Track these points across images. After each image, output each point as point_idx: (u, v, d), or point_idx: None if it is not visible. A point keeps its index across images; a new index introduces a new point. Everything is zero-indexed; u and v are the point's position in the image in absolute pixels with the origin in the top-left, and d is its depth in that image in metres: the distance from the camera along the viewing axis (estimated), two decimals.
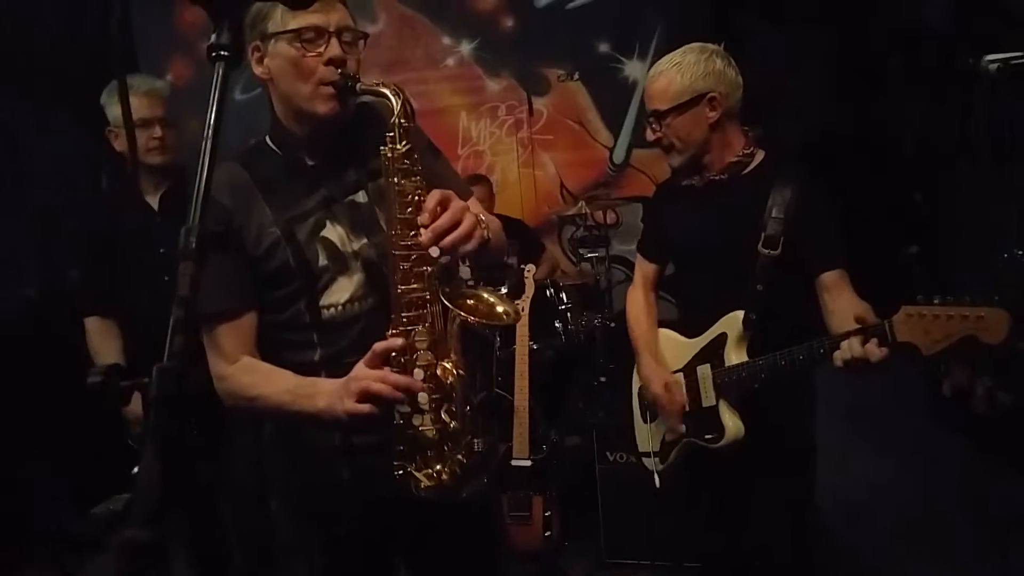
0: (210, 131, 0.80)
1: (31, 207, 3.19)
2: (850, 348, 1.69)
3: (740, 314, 1.99)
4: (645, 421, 2.32)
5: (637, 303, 2.35)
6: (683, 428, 2.14)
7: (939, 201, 4.32)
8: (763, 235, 1.95)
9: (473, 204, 1.60)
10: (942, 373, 3.64)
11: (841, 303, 1.91)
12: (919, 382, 3.89)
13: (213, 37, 0.84)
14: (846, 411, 3.15)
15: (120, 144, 2.53)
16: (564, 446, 3.61)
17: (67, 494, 3.43)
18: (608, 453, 3.18)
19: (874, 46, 4.67)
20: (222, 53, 0.83)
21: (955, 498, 3.17)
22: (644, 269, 2.37)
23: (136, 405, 2.39)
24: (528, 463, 3.12)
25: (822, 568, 2.50)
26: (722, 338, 2.04)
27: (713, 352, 2.07)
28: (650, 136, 2.08)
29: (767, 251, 1.94)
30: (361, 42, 1.56)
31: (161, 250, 2.35)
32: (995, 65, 1.52)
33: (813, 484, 2.14)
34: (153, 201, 2.54)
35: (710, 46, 2.02)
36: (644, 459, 2.32)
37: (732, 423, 2.01)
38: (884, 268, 2.35)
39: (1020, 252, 2.73)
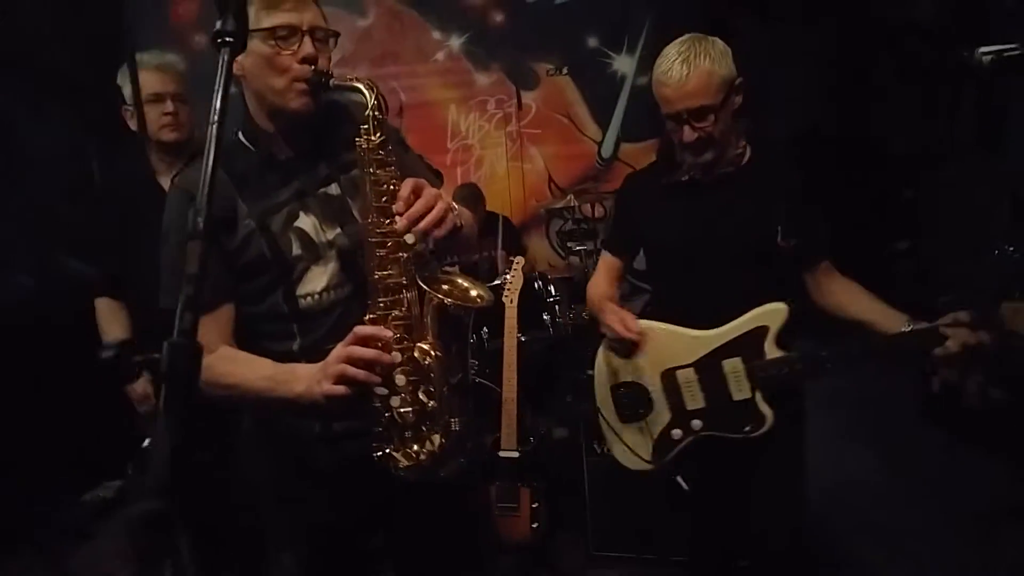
0: (216, 115, 0.82)
1: (26, 196, 3.18)
2: (963, 336, 1.76)
3: (782, 307, 1.98)
4: (626, 421, 2.22)
5: (594, 283, 2.33)
6: (697, 424, 2.09)
7: (928, 196, 4.37)
8: (780, 229, 1.95)
9: (444, 194, 1.64)
10: (930, 370, 3.68)
11: (837, 284, 2.04)
12: (907, 377, 3.93)
13: (218, 24, 0.86)
14: (835, 405, 3.18)
15: (134, 124, 2.44)
16: (552, 438, 3.63)
17: (58, 481, 3.42)
18: (596, 445, 3.20)
19: (862, 40, 4.71)
20: (227, 39, 0.85)
21: (944, 493, 3.21)
22: (608, 263, 2.33)
23: (143, 386, 2.43)
24: (516, 455, 3.13)
25: (813, 561, 2.52)
26: (762, 331, 2.00)
27: (747, 346, 2.01)
28: (690, 136, 1.92)
29: (786, 243, 1.96)
30: (332, 40, 1.60)
31: None
32: (988, 57, 1.54)
33: (804, 474, 2.15)
34: (165, 183, 2.48)
35: (702, 35, 1.97)
36: (633, 457, 2.21)
37: (769, 412, 2.00)
38: (868, 262, 2.39)
39: (1011, 248, 2.75)
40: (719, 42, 1.95)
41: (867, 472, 3.44)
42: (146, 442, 2.26)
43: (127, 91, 2.43)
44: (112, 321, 2.54)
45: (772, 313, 1.99)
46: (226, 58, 0.84)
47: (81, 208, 2.72)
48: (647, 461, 2.19)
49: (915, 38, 4.32)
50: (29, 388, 3.39)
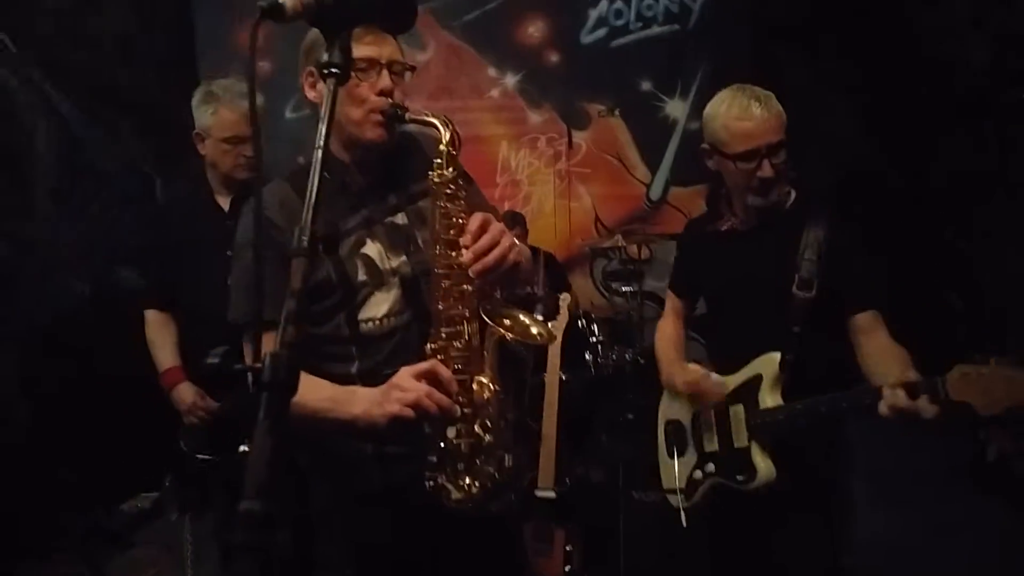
0: (321, 140, 0.86)
1: (93, 208, 3.30)
2: (897, 399, 1.67)
3: (776, 356, 1.97)
4: (671, 456, 2.27)
5: (667, 328, 2.35)
6: (711, 467, 2.10)
7: (980, 244, 4.27)
8: (797, 277, 1.94)
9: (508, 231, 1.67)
10: (984, 438, 3.56)
11: (876, 346, 1.90)
12: (963, 444, 3.81)
13: (325, 56, 0.90)
14: (887, 472, 3.09)
15: (204, 149, 2.48)
16: (589, 480, 3.60)
17: (97, 489, 3.48)
18: (634, 491, 3.17)
19: (910, 86, 4.67)
20: (334, 71, 0.88)
21: (998, 566, 3.10)
22: (674, 303, 2.37)
23: (186, 394, 2.46)
24: (553, 494, 3.10)
25: None
26: (757, 380, 2.01)
27: (747, 393, 2.03)
28: (769, 172, 1.93)
29: (802, 293, 1.94)
30: (408, 73, 1.64)
31: (228, 252, 2.31)
32: None
33: (851, 542, 2.11)
34: (224, 203, 2.53)
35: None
36: (669, 495, 2.26)
37: (764, 465, 1.97)
38: (923, 315, 2.34)
39: None
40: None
41: (917, 541, 3.33)
42: (242, 447, 2.27)
43: (199, 118, 2.47)
44: (162, 332, 2.58)
45: (765, 362, 1.99)
46: (332, 88, 0.88)
47: (141, 222, 2.79)
48: (683, 500, 2.20)
49: (965, 77, 4.27)
50: (74, 395, 3.47)
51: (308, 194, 0.85)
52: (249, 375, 0.77)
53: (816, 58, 4.72)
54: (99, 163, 3.51)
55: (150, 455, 2.90)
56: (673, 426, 2.28)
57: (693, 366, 2.17)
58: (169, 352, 2.55)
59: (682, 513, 2.19)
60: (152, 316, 2.60)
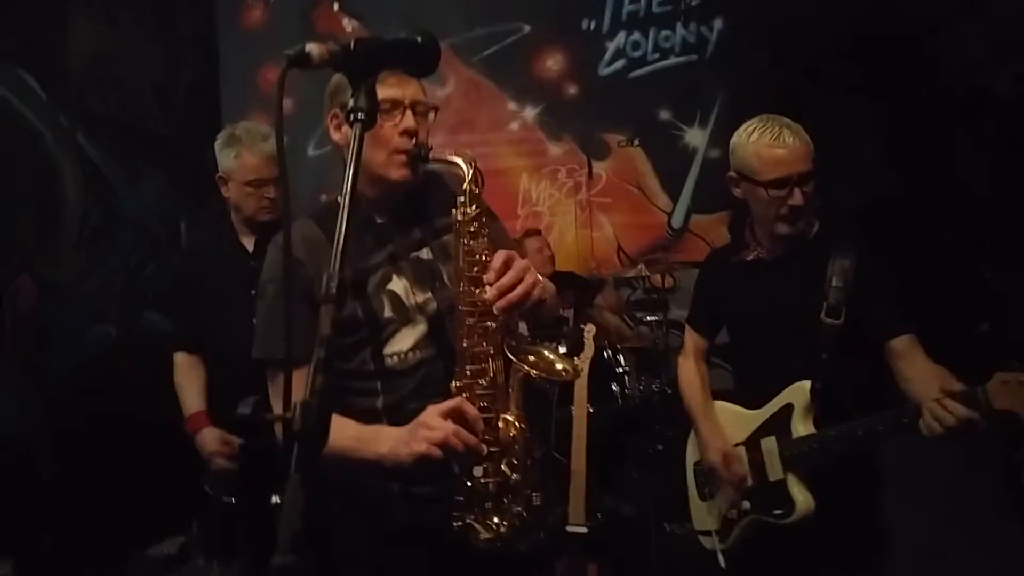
0: (348, 184, 0.86)
1: (120, 250, 3.35)
2: (940, 415, 1.66)
3: (807, 384, 1.96)
4: (703, 499, 2.26)
5: (689, 372, 2.33)
6: (746, 504, 2.08)
7: (1008, 274, 4.22)
8: (825, 305, 1.94)
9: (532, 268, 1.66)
10: (1020, 460, 3.49)
11: (918, 369, 1.88)
12: (998, 469, 3.73)
13: (351, 101, 0.90)
14: (921, 498, 3.03)
15: (227, 191, 2.51)
16: (620, 514, 3.55)
17: (125, 534, 3.47)
18: (665, 524, 3.12)
19: (935, 116, 4.65)
20: (360, 115, 0.89)
21: None
22: (695, 340, 2.35)
23: (209, 439, 2.43)
24: (584, 530, 3.06)
25: None
26: (788, 409, 2.00)
27: (779, 424, 2.02)
28: (799, 200, 1.95)
29: (830, 320, 1.94)
30: (431, 113, 1.66)
31: (252, 291, 2.31)
32: None
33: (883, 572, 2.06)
34: (248, 243, 2.54)
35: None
36: (702, 537, 2.25)
37: (802, 497, 1.95)
38: (953, 345, 2.30)
39: None
40: None
41: (951, 568, 3.24)
42: (274, 499, 2.25)
43: (223, 161, 2.49)
44: (190, 375, 2.58)
45: (796, 391, 1.98)
46: (358, 133, 0.88)
47: (167, 266, 2.82)
48: (718, 541, 2.17)
49: (988, 114, 4.25)
50: (101, 439, 3.48)
51: (336, 240, 0.85)
52: (278, 423, 0.77)
53: (834, 85, 4.71)
54: (126, 207, 3.57)
55: (177, 499, 2.89)
56: (701, 466, 2.25)
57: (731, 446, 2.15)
58: (196, 396, 2.54)
59: (720, 555, 2.16)
60: (180, 359, 2.60)
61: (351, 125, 0.89)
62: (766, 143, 1.96)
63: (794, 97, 4.44)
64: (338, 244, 0.84)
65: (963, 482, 3.43)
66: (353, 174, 0.87)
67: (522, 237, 4.56)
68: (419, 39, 1.03)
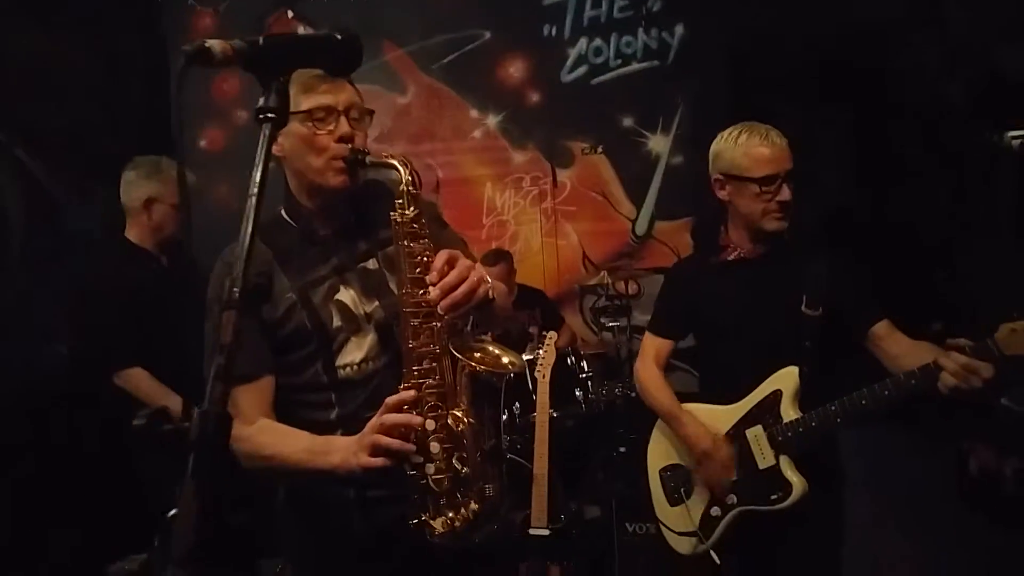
0: (255, 187, 0.85)
1: (66, 269, 3.33)
2: (957, 360, 1.73)
3: (794, 370, 2.05)
4: (673, 503, 2.28)
5: (654, 375, 2.35)
6: (732, 498, 2.12)
7: (961, 278, 4.30)
8: (805, 297, 2.05)
9: (477, 267, 1.66)
10: (966, 451, 3.58)
11: (905, 344, 2.02)
12: (947, 460, 3.80)
13: (261, 100, 0.90)
14: (874, 490, 3.08)
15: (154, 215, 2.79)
16: (583, 517, 3.55)
17: (84, 552, 3.41)
18: (628, 524, 3.13)
19: (891, 124, 4.72)
20: (269, 115, 0.88)
21: None
22: (657, 345, 2.38)
23: None
24: (547, 532, 3.06)
25: None
26: (776, 395, 2.07)
27: (765, 411, 2.09)
28: (787, 196, 2.07)
29: (810, 311, 2.04)
30: (368, 118, 1.66)
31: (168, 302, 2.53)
32: (1018, 141, 1.58)
33: (839, 562, 2.10)
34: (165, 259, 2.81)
35: None
36: (679, 539, 2.26)
37: (796, 479, 2.02)
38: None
39: None
40: None
41: (902, 557, 3.30)
42: (171, 512, 2.26)
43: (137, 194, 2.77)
44: (152, 386, 2.65)
45: (784, 377, 2.07)
46: (267, 132, 0.87)
47: (115, 282, 2.82)
48: (697, 542, 2.20)
49: (943, 121, 4.33)
50: (57, 458, 3.42)
51: (240, 244, 0.83)
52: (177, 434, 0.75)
53: (795, 91, 4.76)
54: (71, 224, 3.54)
55: (139, 516, 2.86)
56: (670, 471, 2.28)
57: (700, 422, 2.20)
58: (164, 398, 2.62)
59: (713, 554, 2.18)
60: (138, 373, 2.65)
61: (260, 124, 0.88)
62: (756, 143, 2.08)
63: (756, 103, 4.50)
64: (242, 249, 0.82)
65: (918, 470, 3.50)
66: (261, 177, 0.86)
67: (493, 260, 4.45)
68: (339, 36, 1.02)
